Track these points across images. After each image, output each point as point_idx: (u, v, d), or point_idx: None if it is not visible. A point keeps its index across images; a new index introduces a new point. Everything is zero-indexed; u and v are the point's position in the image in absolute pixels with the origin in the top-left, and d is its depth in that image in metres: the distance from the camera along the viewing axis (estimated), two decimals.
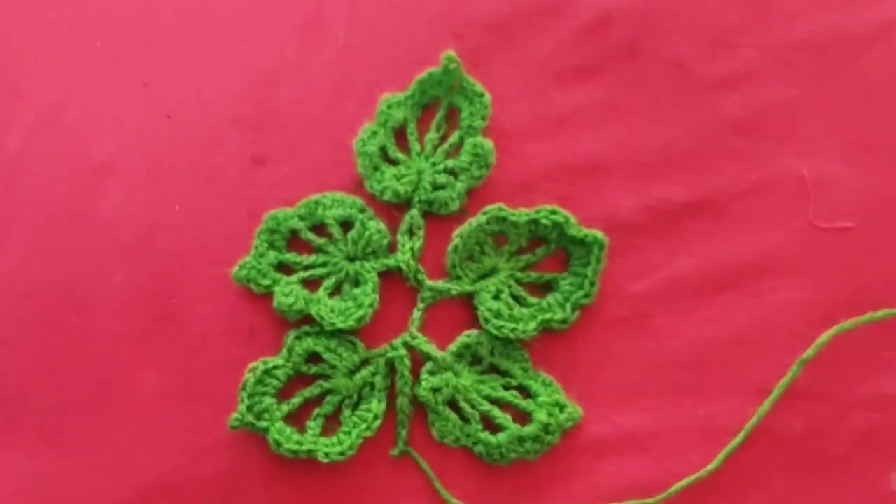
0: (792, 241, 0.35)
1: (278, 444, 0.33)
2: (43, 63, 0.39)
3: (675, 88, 0.37)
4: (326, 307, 0.35)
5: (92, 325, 0.36)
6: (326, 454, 0.33)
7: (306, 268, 0.36)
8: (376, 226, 0.35)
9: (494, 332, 0.34)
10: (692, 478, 0.33)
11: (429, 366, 0.34)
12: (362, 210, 0.36)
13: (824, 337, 0.33)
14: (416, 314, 0.35)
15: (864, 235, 0.35)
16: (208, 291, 0.36)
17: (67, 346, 0.36)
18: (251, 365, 0.34)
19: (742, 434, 0.33)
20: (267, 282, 0.35)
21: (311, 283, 0.36)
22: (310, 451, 0.33)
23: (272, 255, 0.36)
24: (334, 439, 0.34)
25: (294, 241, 0.37)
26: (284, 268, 0.36)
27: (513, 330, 0.34)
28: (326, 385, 0.34)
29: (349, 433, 0.34)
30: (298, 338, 0.35)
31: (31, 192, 0.38)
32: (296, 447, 0.33)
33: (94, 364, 0.36)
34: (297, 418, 0.34)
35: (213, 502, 0.34)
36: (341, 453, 0.33)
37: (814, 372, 0.34)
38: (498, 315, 0.35)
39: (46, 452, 0.35)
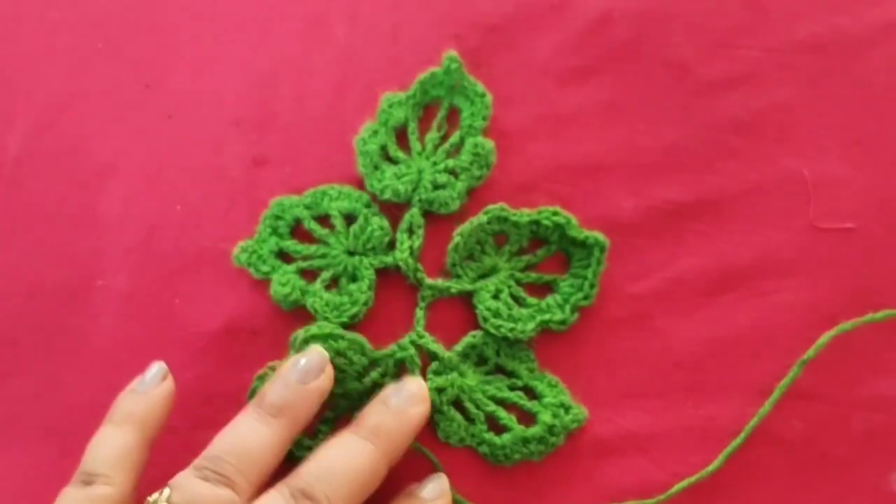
0: (793, 241, 0.35)
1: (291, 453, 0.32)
2: (44, 64, 0.39)
3: (676, 89, 0.37)
4: (322, 300, 0.35)
5: (93, 326, 0.36)
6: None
7: (305, 258, 0.36)
8: (379, 222, 0.35)
9: (493, 331, 0.34)
10: (693, 478, 0.33)
11: (434, 366, 0.34)
12: (367, 205, 0.36)
13: (825, 338, 0.33)
14: (420, 313, 0.35)
15: (865, 236, 0.35)
16: (209, 292, 0.36)
17: (69, 346, 0.36)
18: (260, 372, 0.34)
19: (743, 434, 0.33)
20: (266, 268, 0.35)
21: (310, 275, 0.36)
22: (309, 448, 0.32)
23: (273, 241, 0.36)
24: None
25: (297, 230, 0.37)
26: (284, 256, 0.36)
27: (511, 329, 0.34)
28: (338, 390, 0.33)
29: None
30: (306, 341, 0.33)
31: (33, 193, 0.38)
32: (303, 452, 0.32)
33: (96, 364, 0.36)
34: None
35: None
36: None
37: (814, 373, 0.34)
38: (497, 314, 0.35)
39: (48, 451, 0.35)
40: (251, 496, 0.29)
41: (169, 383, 0.32)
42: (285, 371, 0.32)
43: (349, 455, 0.30)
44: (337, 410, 0.34)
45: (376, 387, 0.34)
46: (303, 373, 0.32)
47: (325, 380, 0.32)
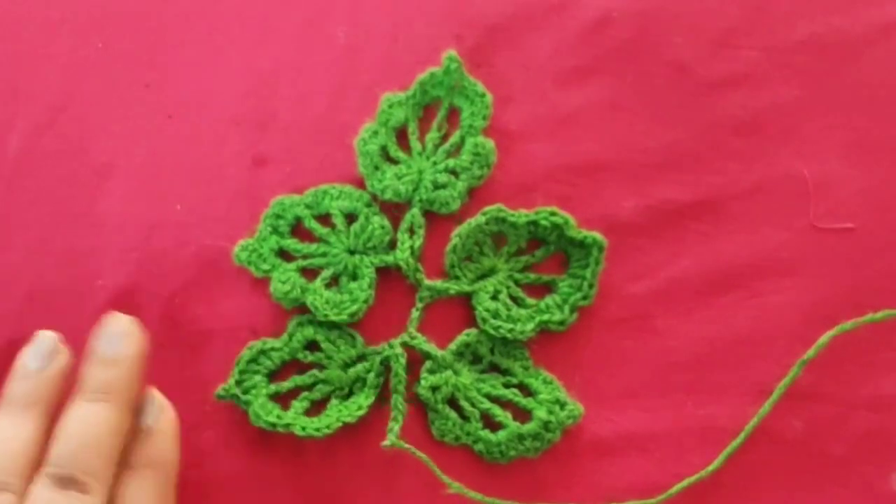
0: (793, 241, 0.35)
1: (258, 416, 0.33)
2: (44, 63, 0.39)
3: (675, 89, 0.37)
4: (322, 298, 0.35)
5: (93, 326, 0.36)
6: (303, 428, 0.33)
7: (305, 256, 0.36)
8: (380, 221, 0.35)
9: (492, 332, 0.34)
10: (693, 478, 0.33)
11: (428, 364, 0.34)
12: (368, 204, 0.36)
13: (825, 338, 0.33)
14: (415, 314, 0.35)
15: (864, 236, 0.35)
16: (209, 291, 0.36)
17: (69, 346, 0.36)
18: (251, 343, 0.35)
19: (743, 434, 0.33)
20: (266, 266, 0.36)
21: (311, 274, 0.36)
22: (287, 425, 0.33)
23: (274, 240, 0.36)
24: (314, 418, 0.34)
25: (297, 229, 0.37)
26: (285, 255, 0.36)
27: (510, 330, 0.34)
28: (320, 375, 0.35)
29: (330, 415, 0.34)
30: (300, 324, 0.35)
31: (33, 193, 0.38)
32: (275, 420, 0.33)
33: None
34: (285, 403, 0.35)
35: (214, 502, 0.34)
36: (317, 429, 0.33)
37: (814, 373, 0.34)
38: (496, 315, 0.35)
39: None
40: (25, 492, 0.29)
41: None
42: (21, 364, 0.32)
43: (87, 424, 0.30)
44: (314, 393, 0.34)
45: (359, 380, 0.35)
46: (39, 359, 0.32)
47: (64, 357, 0.32)
